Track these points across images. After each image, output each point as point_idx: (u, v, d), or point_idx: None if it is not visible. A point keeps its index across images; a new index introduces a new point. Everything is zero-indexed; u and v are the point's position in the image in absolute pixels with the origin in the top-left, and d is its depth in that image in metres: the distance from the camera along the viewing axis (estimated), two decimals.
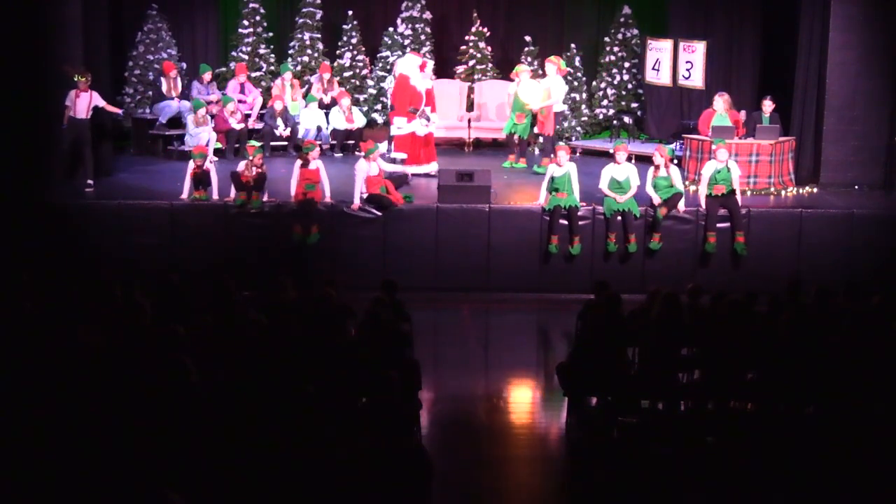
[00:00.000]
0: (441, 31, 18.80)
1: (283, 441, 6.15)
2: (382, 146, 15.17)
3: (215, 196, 13.41)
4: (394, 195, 13.32)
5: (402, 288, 10.38)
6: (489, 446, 9.10)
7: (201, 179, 13.37)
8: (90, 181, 13.99)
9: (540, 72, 16.90)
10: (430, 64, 15.69)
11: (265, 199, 13.28)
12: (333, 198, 13.41)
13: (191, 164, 13.38)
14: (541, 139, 15.84)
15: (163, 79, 16.39)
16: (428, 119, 15.11)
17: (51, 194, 13.60)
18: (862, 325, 8.66)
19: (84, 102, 13.79)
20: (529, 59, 17.98)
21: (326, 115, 16.90)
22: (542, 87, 15.55)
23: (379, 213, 13.27)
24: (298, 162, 13.33)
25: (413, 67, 15.03)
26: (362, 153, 13.68)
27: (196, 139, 15.41)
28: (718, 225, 13.34)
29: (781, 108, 15.11)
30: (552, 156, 14.83)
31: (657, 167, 13.31)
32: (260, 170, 13.22)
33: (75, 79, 13.69)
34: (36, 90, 13.73)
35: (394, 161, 14.72)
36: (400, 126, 14.93)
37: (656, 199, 13.25)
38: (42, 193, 13.58)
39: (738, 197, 13.34)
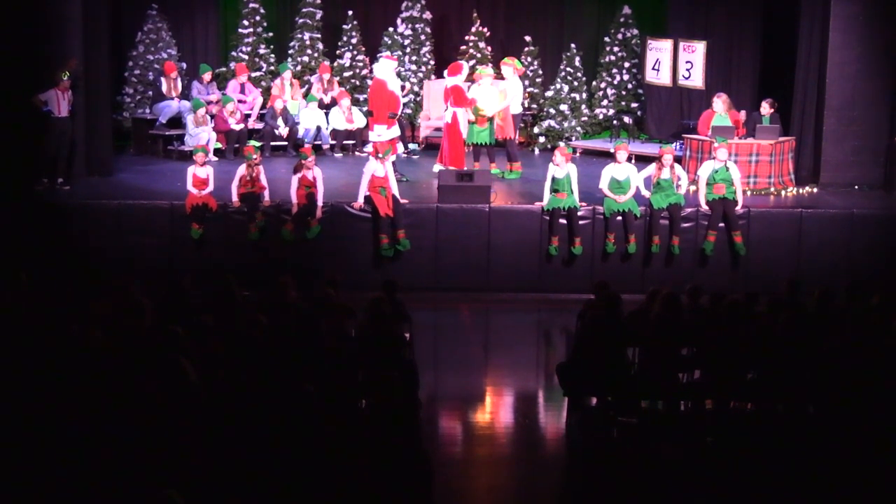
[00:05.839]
0: (441, 31, 18.81)
1: (283, 441, 6.15)
2: (400, 147, 15.16)
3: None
4: (386, 201, 13.02)
5: (402, 288, 10.40)
6: (489, 446, 9.11)
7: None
8: (60, 179, 13.91)
9: (529, 73, 16.85)
10: (466, 66, 15.38)
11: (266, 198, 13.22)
12: (332, 199, 13.38)
13: (192, 172, 13.14)
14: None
15: (163, 79, 16.39)
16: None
17: (44, 194, 13.59)
18: (862, 325, 8.66)
19: (65, 101, 13.71)
20: (530, 58, 18.01)
21: (326, 115, 16.90)
22: (497, 90, 15.12)
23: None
24: (296, 174, 13.19)
25: (389, 71, 14.63)
26: (378, 153, 13.36)
27: (196, 139, 15.43)
28: (719, 225, 13.35)
29: (781, 108, 15.11)
30: (517, 161, 15.03)
31: (661, 168, 13.17)
32: (256, 177, 13.13)
33: (63, 76, 13.60)
34: (36, 90, 13.70)
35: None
36: (380, 133, 14.31)
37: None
38: (40, 194, 13.58)
39: (740, 200, 13.31)
